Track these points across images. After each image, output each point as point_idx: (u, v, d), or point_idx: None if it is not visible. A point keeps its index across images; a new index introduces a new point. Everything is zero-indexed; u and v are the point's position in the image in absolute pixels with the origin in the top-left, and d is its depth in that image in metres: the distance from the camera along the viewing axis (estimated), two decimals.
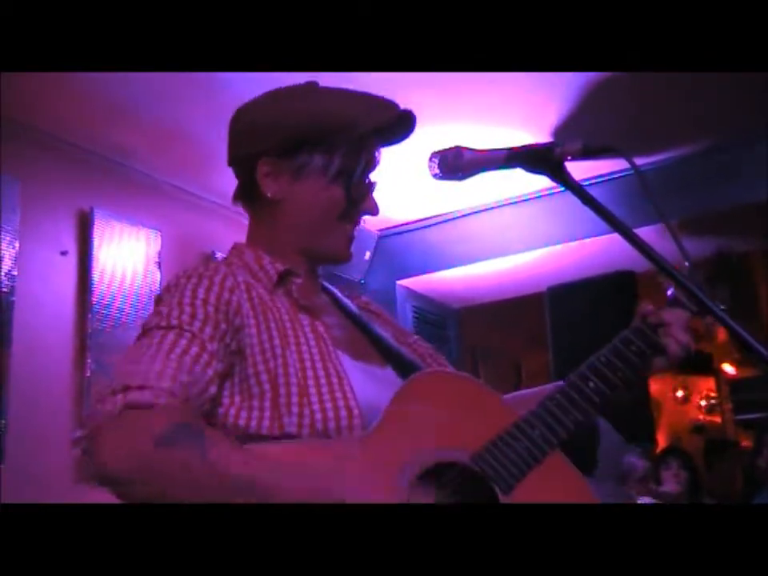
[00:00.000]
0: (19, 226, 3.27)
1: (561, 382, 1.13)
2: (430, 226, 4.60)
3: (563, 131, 3.64)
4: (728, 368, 8.27)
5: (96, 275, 3.57)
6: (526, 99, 3.41)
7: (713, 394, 8.42)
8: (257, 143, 1.21)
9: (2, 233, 3.20)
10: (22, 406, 3.13)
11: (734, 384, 8.06)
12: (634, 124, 3.63)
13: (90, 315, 3.50)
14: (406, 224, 4.68)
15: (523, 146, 1.11)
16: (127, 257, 3.75)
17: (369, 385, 1.13)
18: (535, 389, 1.29)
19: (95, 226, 3.61)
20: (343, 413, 1.07)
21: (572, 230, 4.33)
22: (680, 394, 8.40)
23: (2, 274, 3.17)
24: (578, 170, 1.09)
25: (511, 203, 4.51)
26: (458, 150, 1.15)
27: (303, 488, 0.93)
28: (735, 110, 3.52)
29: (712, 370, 8.13)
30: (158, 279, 3.86)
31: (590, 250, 4.46)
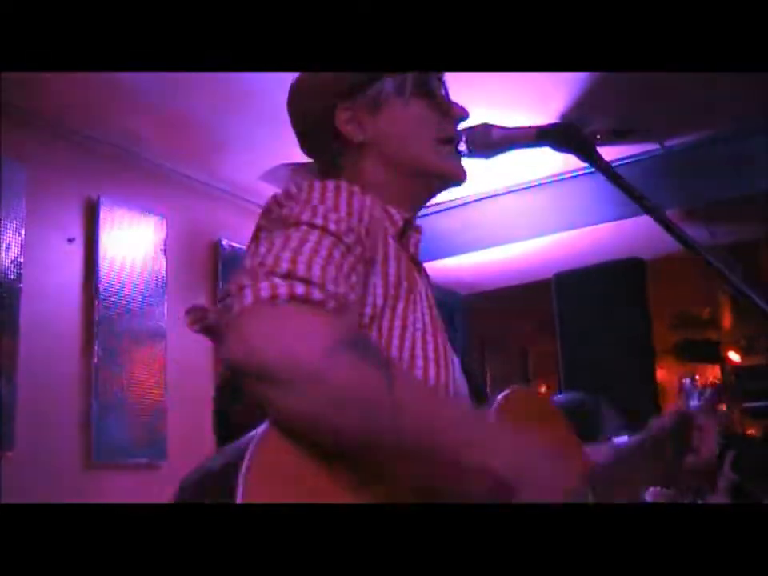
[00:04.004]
0: (25, 213, 3.25)
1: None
2: (436, 212, 4.58)
3: (573, 115, 3.60)
4: (734, 356, 8.25)
5: (102, 262, 3.56)
6: (534, 83, 3.37)
7: (719, 382, 8.40)
8: (328, 94, 1.17)
9: (9, 220, 3.19)
10: (31, 393, 3.12)
11: (740, 372, 8.05)
12: (645, 110, 3.59)
13: (96, 302, 3.49)
14: None
15: (552, 124, 1.09)
16: (133, 244, 3.73)
17: (458, 373, 1.09)
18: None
19: (101, 212, 3.60)
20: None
21: (579, 216, 4.30)
22: (686, 381, 8.38)
23: (9, 261, 3.16)
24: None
25: (518, 190, 4.48)
26: (486, 127, 1.12)
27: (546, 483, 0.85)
28: (751, 97, 3.47)
29: (719, 358, 8.13)
30: (164, 266, 3.85)
31: (597, 236, 4.43)
